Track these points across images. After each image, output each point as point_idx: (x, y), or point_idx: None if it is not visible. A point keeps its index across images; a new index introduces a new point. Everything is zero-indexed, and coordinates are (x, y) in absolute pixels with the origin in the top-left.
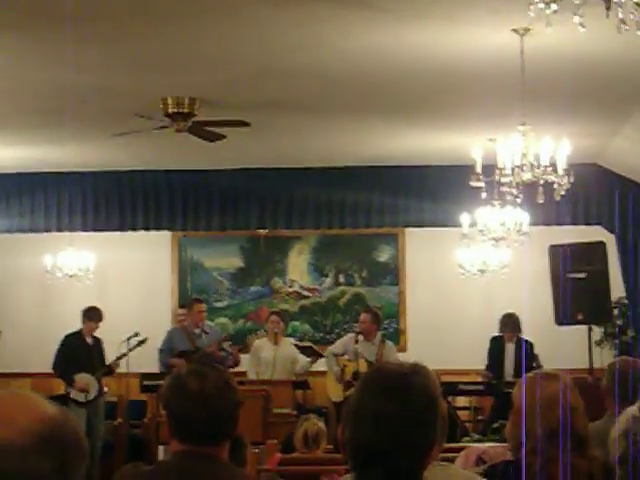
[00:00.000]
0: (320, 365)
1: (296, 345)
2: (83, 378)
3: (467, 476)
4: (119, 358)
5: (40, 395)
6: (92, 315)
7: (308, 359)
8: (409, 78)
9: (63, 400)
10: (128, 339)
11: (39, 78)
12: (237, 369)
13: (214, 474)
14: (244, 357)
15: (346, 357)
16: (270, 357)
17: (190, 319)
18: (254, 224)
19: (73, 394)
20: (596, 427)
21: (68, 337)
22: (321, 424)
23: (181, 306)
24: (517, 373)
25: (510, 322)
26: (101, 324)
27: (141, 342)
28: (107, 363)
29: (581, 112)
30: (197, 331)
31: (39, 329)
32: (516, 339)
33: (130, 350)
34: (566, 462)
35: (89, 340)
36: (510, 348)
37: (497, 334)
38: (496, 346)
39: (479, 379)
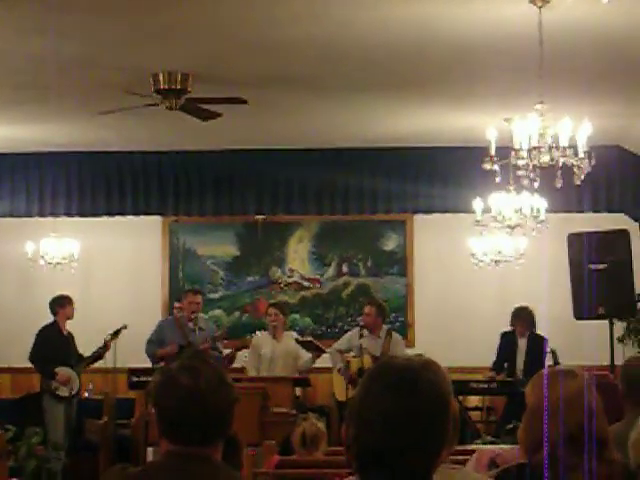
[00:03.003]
0: (322, 361)
1: (296, 340)
2: (64, 371)
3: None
4: (101, 350)
5: None
6: (63, 301)
7: (310, 355)
8: (418, 53)
9: (39, 396)
10: (115, 332)
11: (17, 50)
12: (232, 365)
13: (207, 476)
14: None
15: (352, 353)
16: (269, 353)
17: (184, 311)
18: (251, 209)
19: (57, 389)
20: (616, 430)
21: (45, 329)
22: (320, 424)
23: (177, 299)
24: (529, 371)
25: (522, 316)
26: (86, 316)
27: (118, 331)
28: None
29: (603, 90)
30: (190, 325)
31: (20, 321)
32: (529, 334)
33: (108, 342)
34: (590, 468)
35: (65, 332)
36: (522, 344)
37: (508, 329)
38: (507, 342)
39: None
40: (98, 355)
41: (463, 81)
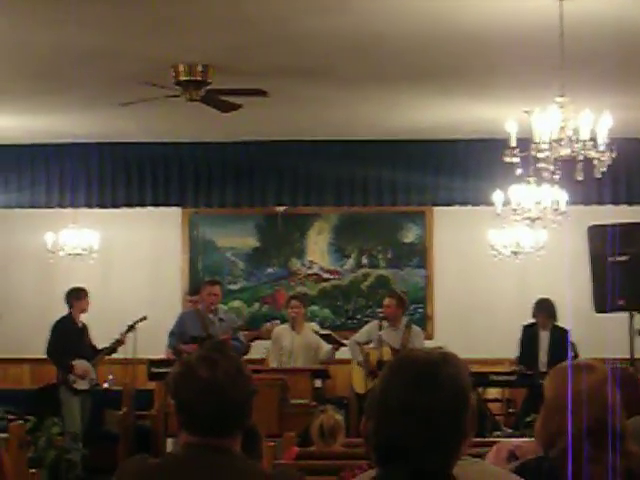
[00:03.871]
0: (341, 353)
1: (315, 332)
2: (81, 364)
3: (499, 473)
4: (116, 344)
5: None
6: (79, 294)
7: (331, 346)
8: (439, 44)
9: (57, 388)
10: (131, 326)
11: (39, 40)
12: (253, 356)
13: (226, 467)
14: (261, 344)
15: (371, 345)
16: (289, 346)
17: (203, 303)
18: (271, 201)
19: (75, 382)
20: (636, 422)
21: (60, 321)
22: (338, 416)
23: (191, 293)
24: (552, 363)
25: (544, 308)
26: (105, 308)
27: (135, 323)
28: (99, 348)
29: (624, 83)
30: (211, 316)
31: (39, 312)
32: (551, 327)
33: (127, 332)
34: (614, 462)
35: (80, 324)
36: (544, 336)
37: (530, 322)
38: (529, 335)
39: (511, 369)
40: (112, 348)
41: (484, 73)
